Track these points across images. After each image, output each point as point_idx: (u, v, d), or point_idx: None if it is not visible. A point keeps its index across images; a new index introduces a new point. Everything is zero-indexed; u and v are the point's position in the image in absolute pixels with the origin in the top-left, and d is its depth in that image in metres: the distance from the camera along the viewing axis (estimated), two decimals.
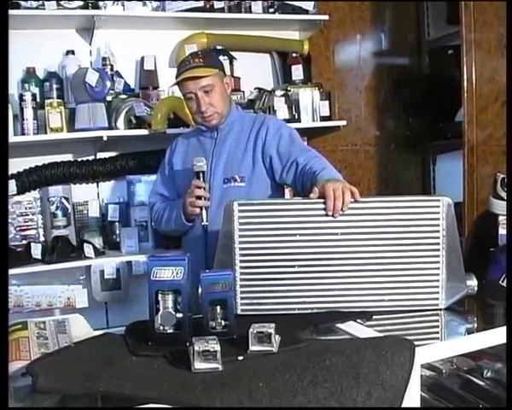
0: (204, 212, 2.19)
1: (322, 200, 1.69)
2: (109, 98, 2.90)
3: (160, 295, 1.46)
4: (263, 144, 2.25)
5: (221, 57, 3.06)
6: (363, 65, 3.42)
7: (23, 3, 2.71)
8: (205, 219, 2.19)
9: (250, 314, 1.66)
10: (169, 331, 1.47)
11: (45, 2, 2.74)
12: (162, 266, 1.45)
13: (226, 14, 3.10)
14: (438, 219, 1.69)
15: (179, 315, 1.47)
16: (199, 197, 2.18)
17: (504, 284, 1.82)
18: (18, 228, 2.86)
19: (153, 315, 1.46)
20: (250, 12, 3.15)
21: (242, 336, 1.39)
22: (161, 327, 1.47)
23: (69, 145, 2.98)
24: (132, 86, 3.09)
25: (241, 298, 1.70)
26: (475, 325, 1.80)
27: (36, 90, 2.82)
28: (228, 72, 3.07)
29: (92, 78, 2.74)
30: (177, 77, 2.28)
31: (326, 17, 3.23)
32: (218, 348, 1.29)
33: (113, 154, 3.06)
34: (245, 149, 2.27)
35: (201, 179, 2.19)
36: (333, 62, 3.36)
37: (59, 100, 2.80)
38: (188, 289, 1.47)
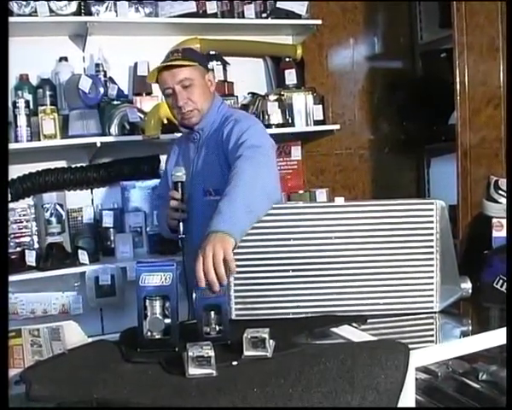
0: (181, 224, 2.04)
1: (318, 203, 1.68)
2: (102, 104, 2.89)
3: (147, 301, 1.46)
4: (224, 153, 2.02)
5: (214, 62, 3.07)
6: (356, 69, 3.43)
7: (16, 11, 2.71)
8: (181, 232, 2.05)
9: (244, 319, 1.66)
10: (157, 337, 1.47)
11: (38, 9, 2.74)
12: (150, 272, 1.45)
13: (219, 19, 3.10)
14: (432, 222, 1.70)
15: (167, 321, 1.47)
16: (176, 209, 2.05)
17: (498, 286, 1.82)
18: (12, 235, 2.84)
19: (141, 321, 1.46)
20: (243, 17, 3.15)
21: (237, 342, 1.39)
22: (149, 333, 1.47)
23: (63, 152, 2.97)
24: (126, 92, 3.08)
25: (236, 303, 1.70)
26: (470, 328, 1.81)
27: (29, 97, 2.82)
28: (221, 77, 3.08)
29: (85, 84, 2.75)
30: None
31: (319, 21, 3.24)
32: (212, 353, 1.29)
33: (106, 160, 3.05)
34: (217, 157, 2.06)
35: (179, 190, 2.04)
36: (326, 67, 3.37)
37: (52, 107, 2.79)
38: (176, 295, 1.47)
